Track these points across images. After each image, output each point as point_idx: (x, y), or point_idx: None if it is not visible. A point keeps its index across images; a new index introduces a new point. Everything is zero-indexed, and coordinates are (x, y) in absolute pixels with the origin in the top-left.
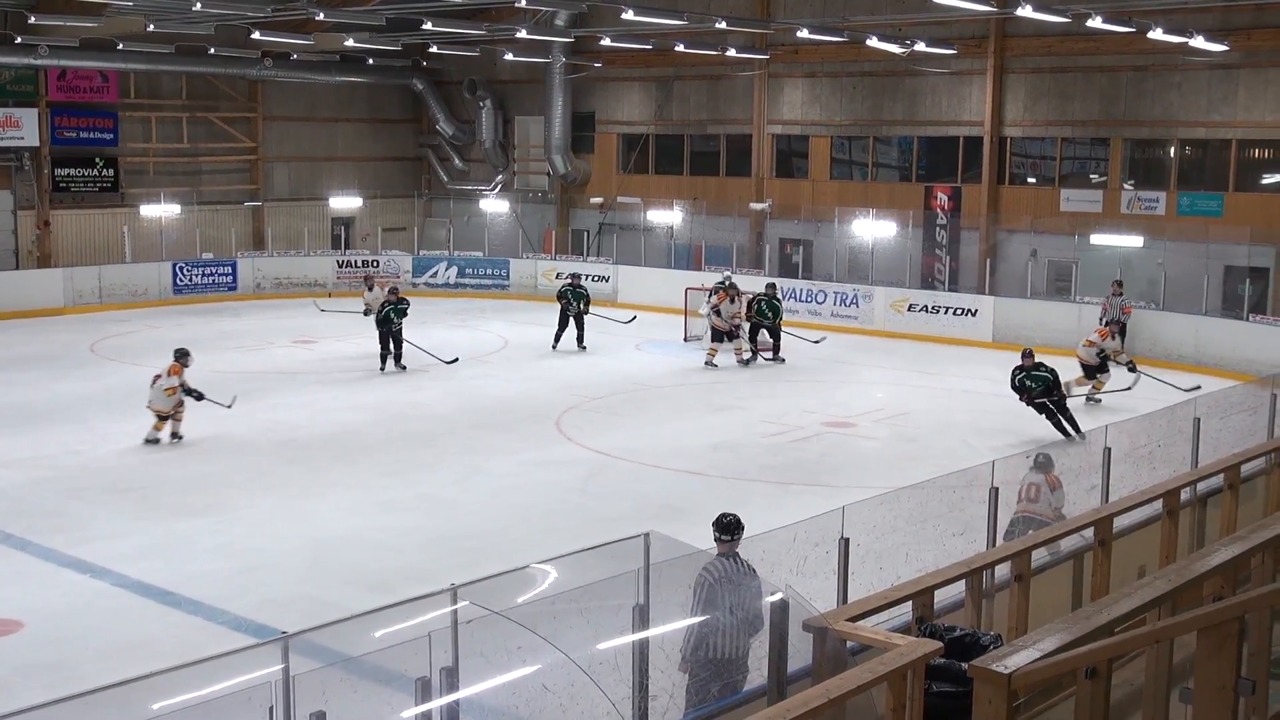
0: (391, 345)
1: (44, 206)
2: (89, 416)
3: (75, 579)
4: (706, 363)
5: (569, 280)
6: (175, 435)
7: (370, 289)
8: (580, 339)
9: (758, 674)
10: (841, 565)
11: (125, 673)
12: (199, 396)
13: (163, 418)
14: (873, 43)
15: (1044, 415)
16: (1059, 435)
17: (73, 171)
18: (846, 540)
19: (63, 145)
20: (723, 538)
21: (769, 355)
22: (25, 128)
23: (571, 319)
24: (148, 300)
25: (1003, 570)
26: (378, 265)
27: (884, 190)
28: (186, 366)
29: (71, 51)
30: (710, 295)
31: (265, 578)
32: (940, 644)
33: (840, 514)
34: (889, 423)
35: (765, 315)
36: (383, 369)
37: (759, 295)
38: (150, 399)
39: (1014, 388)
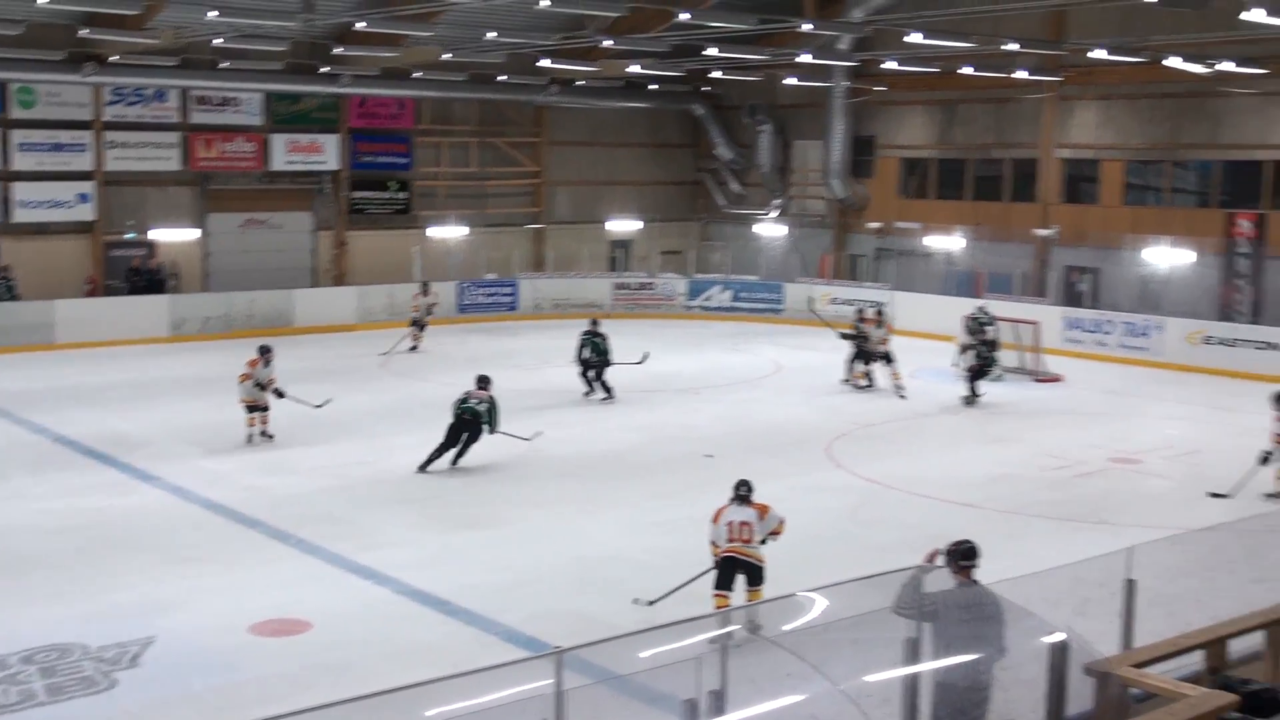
0: (593, 375)
1: (341, 228)
2: (378, 429)
3: (360, 584)
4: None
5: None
6: (264, 434)
7: (426, 293)
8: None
9: (1032, 714)
10: (1126, 608)
11: (405, 677)
12: (279, 394)
13: (249, 409)
14: (1173, 62)
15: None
16: None
17: (368, 194)
18: (1133, 582)
19: (360, 169)
20: (963, 564)
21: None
22: (327, 152)
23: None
24: (434, 318)
25: None
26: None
27: (1180, 216)
28: (267, 364)
29: (371, 80)
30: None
31: (537, 591)
32: (1236, 697)
33: (1127, 554)
34: (1180, 460)
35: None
36: (586, 394)
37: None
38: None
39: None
